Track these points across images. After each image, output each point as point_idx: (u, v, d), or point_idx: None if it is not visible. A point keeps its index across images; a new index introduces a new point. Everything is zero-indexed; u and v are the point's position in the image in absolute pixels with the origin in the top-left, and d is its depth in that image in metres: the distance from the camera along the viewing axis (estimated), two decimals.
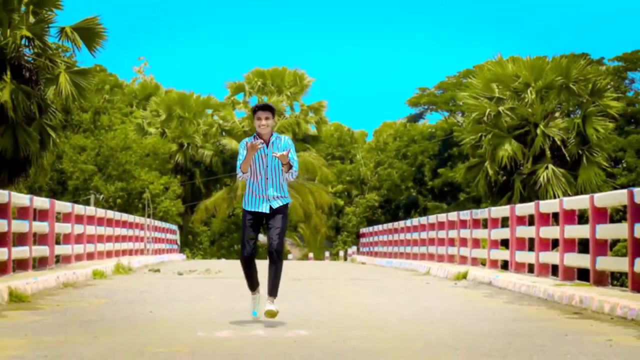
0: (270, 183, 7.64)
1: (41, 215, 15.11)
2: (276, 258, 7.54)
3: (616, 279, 22.75)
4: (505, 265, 16.39)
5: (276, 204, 7.62)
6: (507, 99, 26.11)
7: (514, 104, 25.99)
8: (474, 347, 6.33)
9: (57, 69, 19.56)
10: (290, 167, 7.59)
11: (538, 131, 25.34)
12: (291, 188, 46.04)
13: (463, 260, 18.81)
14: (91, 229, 18.77)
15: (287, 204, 7.72)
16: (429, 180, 48.59)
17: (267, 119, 7.54)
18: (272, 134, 7.67)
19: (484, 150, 26.14)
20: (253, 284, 7.81)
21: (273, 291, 7.57)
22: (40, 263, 14.95)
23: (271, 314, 7.49)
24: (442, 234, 21.01)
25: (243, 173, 7.63)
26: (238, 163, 7.63)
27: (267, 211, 7.60)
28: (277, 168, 7.63)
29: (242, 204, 7.81)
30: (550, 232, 13.66)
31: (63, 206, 16.96)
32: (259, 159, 7.64)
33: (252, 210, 7.66)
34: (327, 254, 45.53)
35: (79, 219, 17.71)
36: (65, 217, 17.06)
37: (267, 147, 7.61)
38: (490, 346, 6.36)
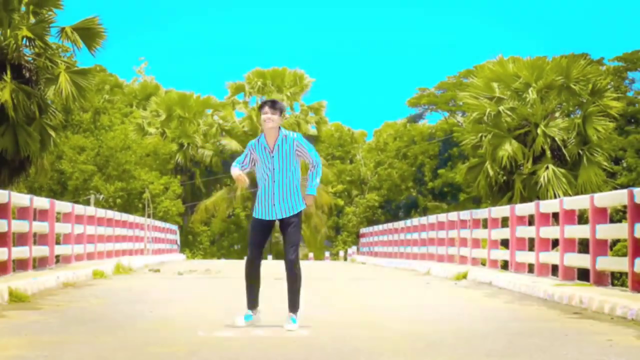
0: (277, 188, 7.32)
1: (41, 215, 15.11)
2: (290, 267, 7.27)
3: (616, 279, 22.75)
4: (505, 265, 16.40)
5: (283, 214, 7.31)
6: (508, 98, 26.08)
7: (515, 104, 25.97)
8: (475, 347, 6.34)
9: (57, 69, 19.55)
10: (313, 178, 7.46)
11: (538, 131, 25.31)
12: None
13: (463, 260, 18.81)
14: (91, 229, 18.77)
15: (299, 212, 7.38)
16: (429, 180, 48.60)
17: (265, 113, 7.18)
18: (279, 134, 7.26)
19: (484, 150, 26.11)
20: (252, 299, 7.44)
21: (291, 306, 7.29)
22: (40, 263, 14.95)
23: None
24: (442, 234, 21.01)
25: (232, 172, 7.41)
26: (238, 160, 7.38)
27: (273, 218, 7.30)
28: (286, 171, 7.30)
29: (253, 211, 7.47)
30: (550, 232, 13.66)
31: (63, 206, 16.97)
32: (264, 162, 7.29)
33: (259, 217, 7.33)
34: (327, 254, 45.50)
35: (79, 219, 17.71)
36: (65, 217, 17.06)
37: (272, 151, 7.27)
38: (491, 346, 6.37)
